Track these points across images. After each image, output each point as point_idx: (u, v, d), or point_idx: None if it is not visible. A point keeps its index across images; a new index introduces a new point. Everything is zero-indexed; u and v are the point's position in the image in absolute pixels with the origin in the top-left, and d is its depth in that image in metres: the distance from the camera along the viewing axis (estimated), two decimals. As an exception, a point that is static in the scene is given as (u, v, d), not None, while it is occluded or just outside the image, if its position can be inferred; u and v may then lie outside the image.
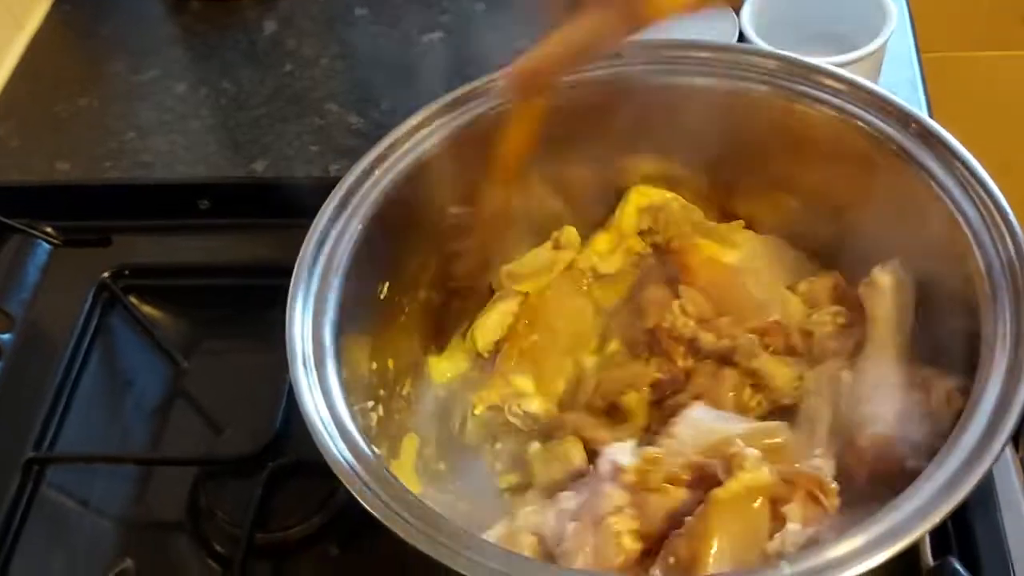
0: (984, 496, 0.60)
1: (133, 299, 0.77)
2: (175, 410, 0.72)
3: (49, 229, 0.81)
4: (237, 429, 0.69)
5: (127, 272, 0.79)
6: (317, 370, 0.51)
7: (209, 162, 0.85)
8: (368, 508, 0.46)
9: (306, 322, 0.53)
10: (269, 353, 0.71)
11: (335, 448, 0.48)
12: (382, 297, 0.60)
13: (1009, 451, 0.65)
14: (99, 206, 0.82)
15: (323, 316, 0.54)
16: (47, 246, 0.81)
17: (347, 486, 0.47)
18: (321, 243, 0.57)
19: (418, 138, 0.61)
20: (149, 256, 0.80)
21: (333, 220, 0.58)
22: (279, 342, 0.69)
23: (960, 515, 0.60)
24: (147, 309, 0.78)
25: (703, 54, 0.61)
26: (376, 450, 0.50)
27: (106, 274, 0.78)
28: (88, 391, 0.74)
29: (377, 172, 0.60)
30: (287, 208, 0.74)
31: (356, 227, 0.58)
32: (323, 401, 0.50)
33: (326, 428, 0.49)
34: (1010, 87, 1.13)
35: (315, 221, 0.58)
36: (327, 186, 0.60)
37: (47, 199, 0.83)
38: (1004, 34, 1.10)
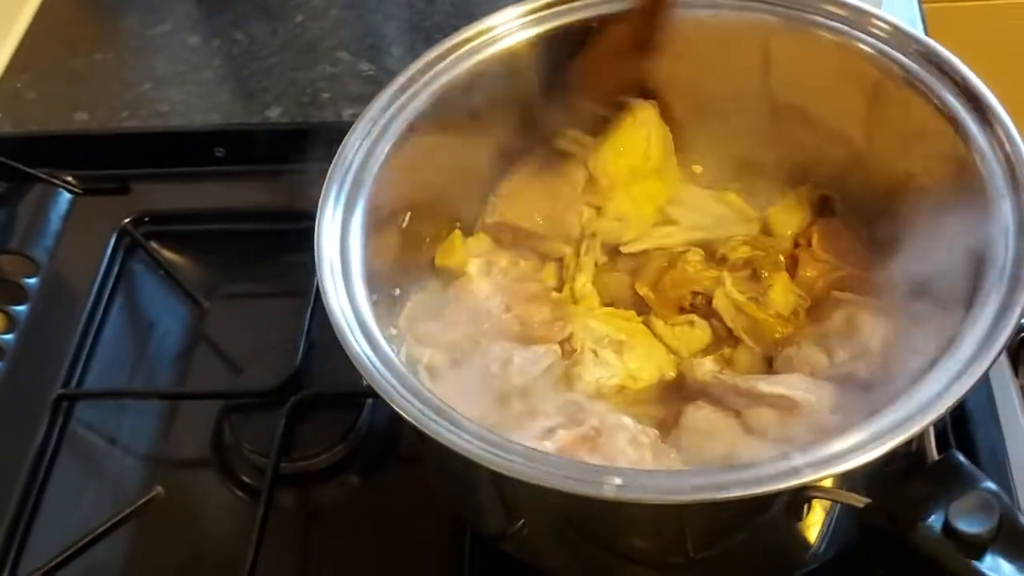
0: (985, 412, 0.63)
1: (154, 244, 0.79)
2: (197, 351, 0.74)
3: (70, 178, 0.83)
4: (259, 365, 0.71)
5: (147, 219, 0.81)
6: (344, 282, 0.53)
7: (223, 110, 0.87)
8: (398, 410, 0.47)
9: (334, 239, 0.54)
10: (288, 294, 0.74)
11: (360, 349, 0.49)
12: (404, 226, 0.61)
13: (1009, 373, 0.67)
14: (118, 155, 0.84)
15: (348, 237, 0.55)
16: (68, 195, 0.83)
17: (371, 383, 0.48)
18: (348, 165, 0.58)
19: (439, 68, 0.62)
20: (168, 203, 0.82)
21: (361, 142, 0.59)
22: (298, 284, 0.72)
23: (962, 428, 0.62)
24: (168, 254, 0.79)
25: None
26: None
27: (127, 220, 0.80)
28: (112, 333, 0.76)
29: (402, 99, 0.60)
30: (301, 153, 0.76)
31: (383, 149, 0.58)
32: (351, 311, 0.51)
33: (350, 328, 0.50)
34: (1010, 34, 1.14)
35: (343, 143, 0.59)
36: (341, 130, 0.60)
37: (67, 149, 0.84)
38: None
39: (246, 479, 0.67)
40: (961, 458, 0.43)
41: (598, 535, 0.53)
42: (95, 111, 0.88)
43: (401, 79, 0.61)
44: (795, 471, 0.41)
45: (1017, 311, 0.46)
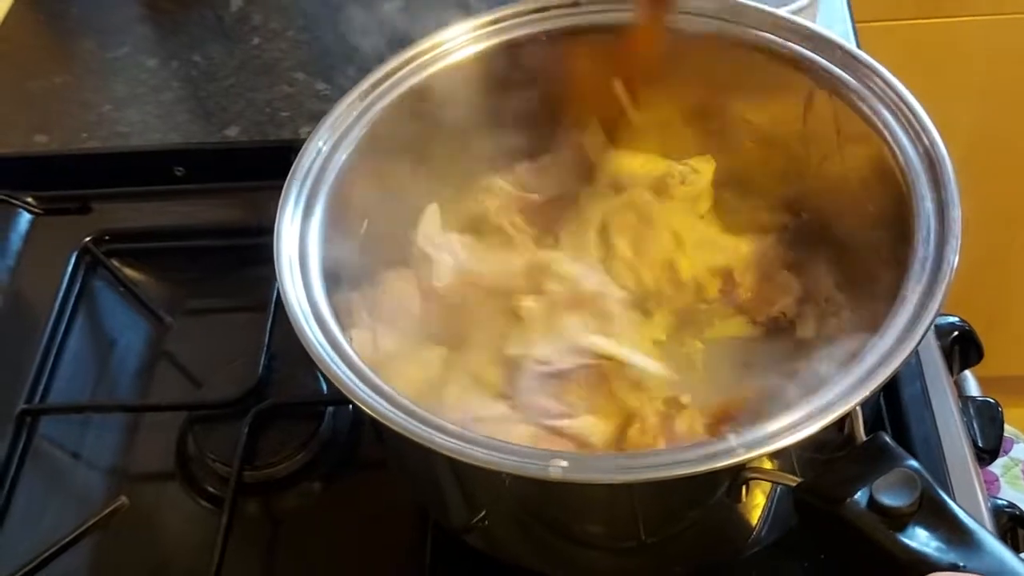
0: (920, 405, 0.66)
1: (115, 262, 0.80)
2: (159, 365, 0.75)
3: (30, 199, 0.84)
4: (221, 377, 0.72)
5: (108, 237, 0.82)
6: (302, 277, 0.55)
7: (182, 130, 0.88)
8: (349, 396, 0.49)
9: (293, 238, 0.56)
10: (248, 308, 0.76)
11: (315, 338, 0.52)
12: (362, 232, 0.63)
13: (942, 368, 0.70)
14: (78, 175, 0.85)
15: (307, 236, 0.57)
16: (28, 215, 0.84)
17: (324, 372, 0.50)
18: (308, 169, 0.60)
19: (398, 77, 0.65)
20: (129, 222, 0.83)
21: (320, 148, 0.61)
22: (258, 297, 0.74)
23: (899, 420, 0.65)
24: (129, 271, 0.80)
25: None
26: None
27: (88, 239, 0.81)
28: (75, 350, 0.76)
29: (361, 107, 0.63)
30: (260, 171, 0.78)
31: (342, 155, 0.61)
32: (308, 305, 0.53)
33: (307, 320, 0.52)
34: (941, 52, 1.19)
35: (302, 149, 0.61)
36: (298, 148, 0.62)
37: (27, 170, 0.85)
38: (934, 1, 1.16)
39: (210, 489, 0.68)
40: (887, 439, 0.46)
41: (555, 521, 0.55)
42: (55, 133, 0.89)
43: (362, 86, 0.64)
44: (730, 451, 0.44)
45: (936, 303, 0.49)
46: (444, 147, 0.67)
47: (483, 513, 0.56)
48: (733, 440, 0.44)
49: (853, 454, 0.45)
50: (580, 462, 0.44)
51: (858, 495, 0.42)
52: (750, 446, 0.44)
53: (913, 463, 0.44)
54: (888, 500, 0.42)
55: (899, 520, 0.41)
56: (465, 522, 0.59)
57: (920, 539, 0.41)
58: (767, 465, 0.47)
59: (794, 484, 0.45)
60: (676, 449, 0.45)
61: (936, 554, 0.40)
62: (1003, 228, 1.29)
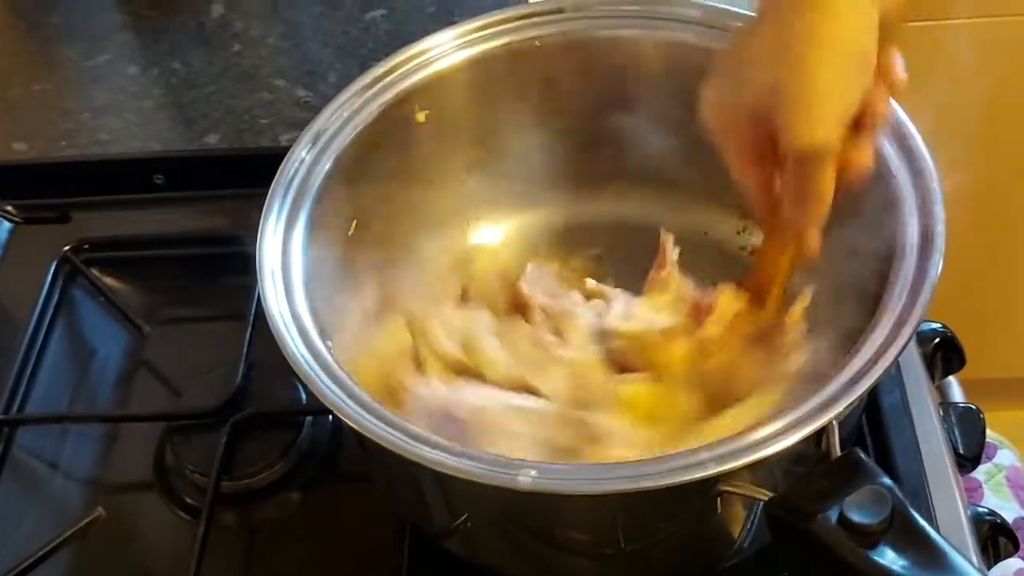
0: (900, 415, 0.66)
1: (95, 271, 0.80)
2: (139, 375, 0.75)
3: (9, 207, 0.84)
4: (200, 387, 0.72)
5: (87, 246, 0.81)
6: (284, 288, 0.54)
7: (162, 138, 0.88)
8: (338, 413, 0.49)
9: (275, 248, 0.56)
10: (227, 317, 0.76)
11: (296, 349, 0.51)
12: (350, 235, 0.63)
13: (924, 377, 0.70)
14: (57, 184, 0.84)
15: (290, 246, 0.57)
16: (8, 224, 0.84)
17: (306, 383, 0.50)
18: (291, 177, 0.60)
19: (383, 84, 0.64)
20: (108, 230, 0.83)
21: (304, 157, 0.61)
22: (237, 306, 0.74)
23: (879, 430, 0.65)
24: (108, 280, 0.80)
25: (631, 7, 0.66)
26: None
27: (67, 248, 0.81)
28: (54, 359, 0.76)
29: (346, 114, 0.63)
30: (239, 179, 0.78)
31: (326, 163, 0.61)
32: (290, 316, 0.53)
33: (288, 331, 0.52)
34: (931, 56, 1.19)
35: (286, 157, 0.61)
36: (278, 155, 0.62)
37: (6, 178, 0.85)
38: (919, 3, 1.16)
39: (188, 499, 0.68)
40: (861, 455, 0.45)
41: (534, 528, 0.55)
42: (34, 141, 0.89)
43: (346, 94, 0.63)
44: (700, 464, 0.43)
45: (914, 320, 0.49)
46: (430, 155, 0.67)
47: (463, 519, 0.56)
48: (704, 454, 0.43)
49: (827, 470, 0.45)
50: (549, 472, 0.44)
51: (829, 511, 0.42)
52: (721, 460, 0.44)
53: (886, 480, 0.44)
54: (858, 517, 0.41)
55: (869, 538, 0.41)
56: (445, 528, 0.59)
57: (889, 557, 0.41)
58: (744, 478, 0.47)
59: (766, 499, 0.45)
60: (646, 461, 0.45)
61: (904, 573, 0.40)
62: (992, 231, 1.29)
